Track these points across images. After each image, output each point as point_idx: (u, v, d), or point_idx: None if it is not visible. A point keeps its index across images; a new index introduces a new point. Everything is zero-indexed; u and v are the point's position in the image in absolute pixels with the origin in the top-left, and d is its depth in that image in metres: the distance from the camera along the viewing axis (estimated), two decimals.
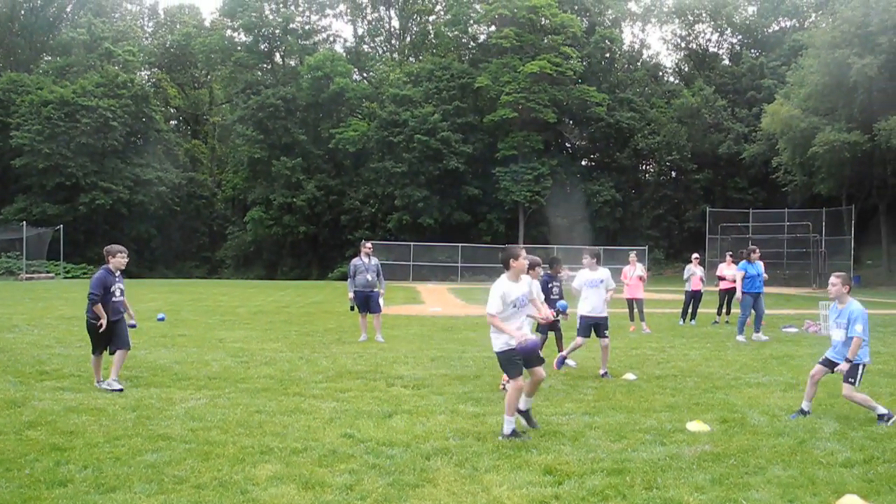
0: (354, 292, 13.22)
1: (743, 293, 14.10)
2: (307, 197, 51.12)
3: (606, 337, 9.83)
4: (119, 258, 8.47)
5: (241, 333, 14.17)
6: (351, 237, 49.70)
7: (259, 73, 57.40)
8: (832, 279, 7.31)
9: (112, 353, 8.43)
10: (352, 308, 13.63)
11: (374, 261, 13.48)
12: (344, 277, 20.24)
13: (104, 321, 8.17)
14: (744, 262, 14.39)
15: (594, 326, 9.83)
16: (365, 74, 62.39)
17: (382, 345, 12.62)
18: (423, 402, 7.78)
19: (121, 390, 8.04)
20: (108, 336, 8.36)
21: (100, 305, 8.23)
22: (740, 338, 13.85)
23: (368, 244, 13.83)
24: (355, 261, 13.50)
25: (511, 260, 6.61)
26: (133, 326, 8.85)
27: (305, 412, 7.26)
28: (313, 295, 27.88)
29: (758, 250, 14.60)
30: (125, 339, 8.50)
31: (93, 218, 50.27)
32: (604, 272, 9.84)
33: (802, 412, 7.30)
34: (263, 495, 4.83)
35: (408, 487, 5.02)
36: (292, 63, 58.97)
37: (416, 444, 6.08)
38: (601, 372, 9.73)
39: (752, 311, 14.23)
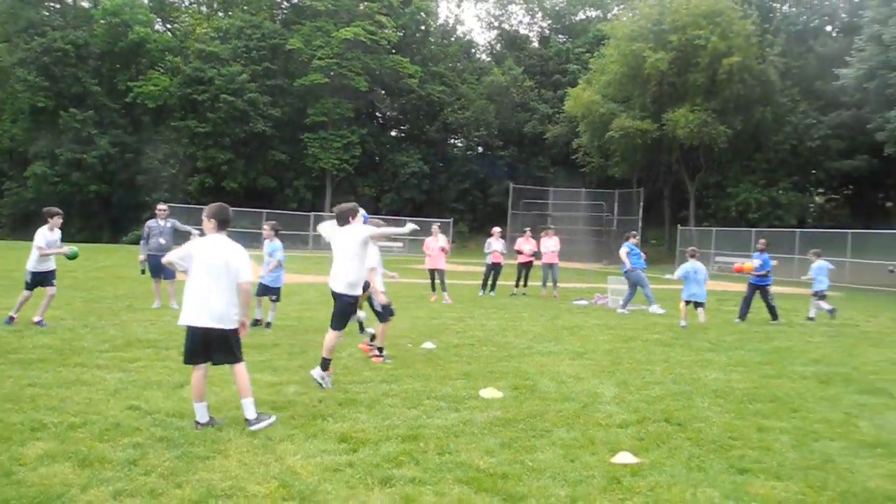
0: (147, 255, 12.55)
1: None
2: (100, 153, 47.24)
3: None
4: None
5: (15, 299, 12.90)
6: (148, 199, 46.63)
7: (45, 12, 52.02)
8: None
9: None
10: (143, 272, 12.93)
11: (170, 223, 12.81)
12: (138, 241, 19.03)
13: None
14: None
15: None
16: (169, 26, 58.52)
17: (177, 312, 11.99)
18: (217, 372, 7.49)
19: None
20: None
21: None
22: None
23: (164, 206, 13.14)
24: (150, 223, 12.83)
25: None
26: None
27: (87, 384, 6.78)
28: (103, 259, 26.00)
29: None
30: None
31: None
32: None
33: None
34: (32, 476, 4.44)
35: (197, 460, 4.83)
36: (85, 5, 54.05)
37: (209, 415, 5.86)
38: None
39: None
